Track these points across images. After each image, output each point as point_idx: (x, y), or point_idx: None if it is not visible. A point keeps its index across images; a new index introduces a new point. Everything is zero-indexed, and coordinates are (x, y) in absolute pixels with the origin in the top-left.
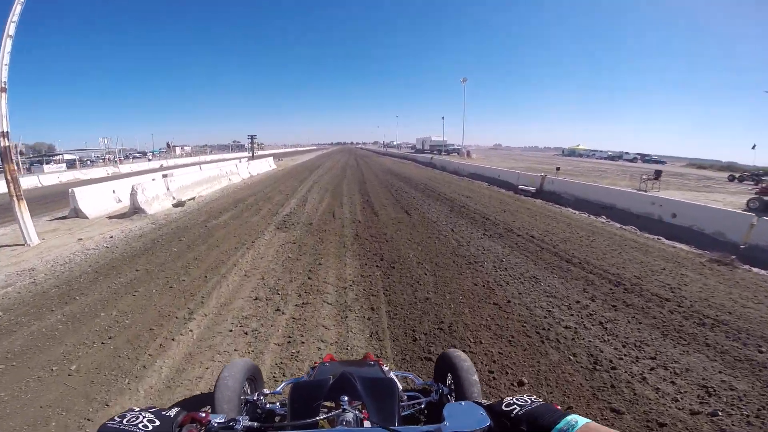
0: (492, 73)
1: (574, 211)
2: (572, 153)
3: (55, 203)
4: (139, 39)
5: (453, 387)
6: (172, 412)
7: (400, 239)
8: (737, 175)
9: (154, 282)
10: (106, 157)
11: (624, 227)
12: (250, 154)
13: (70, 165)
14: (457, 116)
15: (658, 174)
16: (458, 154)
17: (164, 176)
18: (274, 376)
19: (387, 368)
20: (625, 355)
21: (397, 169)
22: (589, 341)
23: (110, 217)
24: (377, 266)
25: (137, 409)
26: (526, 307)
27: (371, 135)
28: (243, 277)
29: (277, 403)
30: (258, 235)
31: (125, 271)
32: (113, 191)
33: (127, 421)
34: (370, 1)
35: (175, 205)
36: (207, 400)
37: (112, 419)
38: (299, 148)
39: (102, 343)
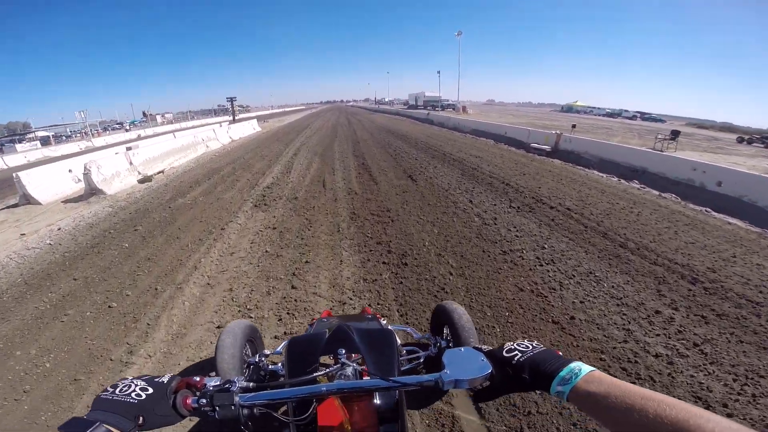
0: (485, 27)
1: (600, 174)
2: (570, 109)
3: (12, 188)
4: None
5: (450, 339)
6: (165, 378)
7: (409, 217)
8: (746, 137)
9: (91, 298)
10: (82, 131)
11: (663, 195)
12: (231, 118)
13: (44, 142)
14: (449, 72)
15: (675, 134)
16: (453, 109)
17: (128, 149)
18: None
19: (385, 321)
20: (739, 394)
21: (392, 126)
22: (691, 376)
23: (66, 201)
24: (384, 263)
25: (130, 377)
26: (596, 324)
27: (362, 92)
28: (204, 288)
29: (279, 364)
30: (231, 217)
31: (61, 280)
32: (69, 170)
33: (119, 391)
34: None
35: (141, 181)
36: (211, 365)
37: (105, 390)
38: (287, 109)
39: (15, 399)
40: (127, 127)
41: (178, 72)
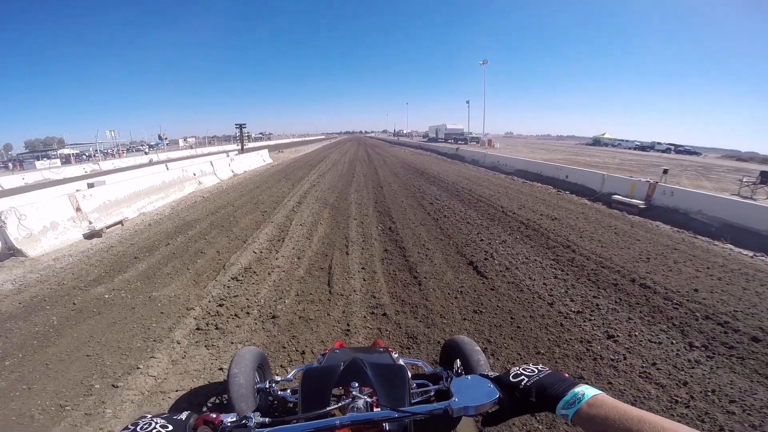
0: (503, 59)
1: (746, 253)
2: (598, 142)
3: None
4: (157, 28)
5: (462, 371)
6: (183, 416)
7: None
8: None
9: None
10: (104, 151)
11: None
12: (239, 147)
13: (66, 161)
14: (466, 102)
15: (766, 177)
16: (477, 143)
17: (89, 185)
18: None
19: (396, 355)
20: None
21: (418, 163)
22: None
23: None
24: None
25: (149, 415)
26: None
27: (380, 123)
28: None
29: (288, 390)
30: (147, 348)
31: None
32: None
33: (140, 429)
34: None
35: (89, 236)
36: (221, 387)
37: (126, 428)
38: (307, 138)
39: None
40: (146, 150)
41: (208, 96)
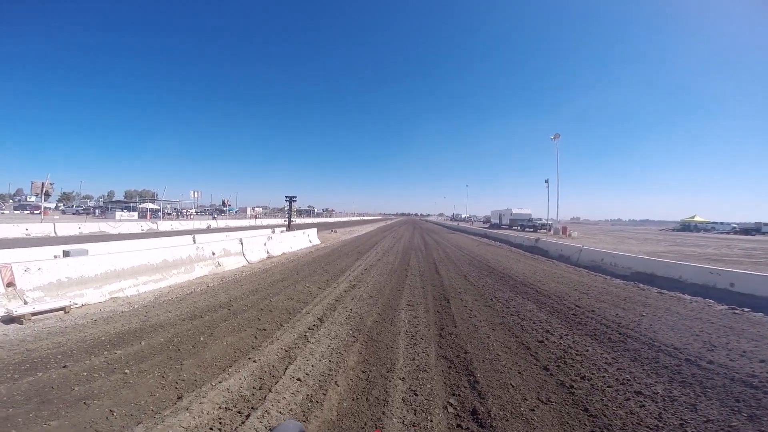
0: (566, 135)
1: None
2: (686, 227)
3: None
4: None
5: None
6: None
7: None
8: None
9: None
10: (179, 210)
11: None
12: (287, 223)
13: (142, 215)
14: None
15: None
16: (547, 230)
17: (65, 254)
18: None
19: None
20: None
21: (490, 258)
22: None
23: None
24: None
25: None
26: None
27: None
28: None
29: None
30: None
31: None
32: None
33: None
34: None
35: (7, 321)
36: None
37: None
38: (365, 217)
39: None
40: (214, 215)
41: (281, 166)
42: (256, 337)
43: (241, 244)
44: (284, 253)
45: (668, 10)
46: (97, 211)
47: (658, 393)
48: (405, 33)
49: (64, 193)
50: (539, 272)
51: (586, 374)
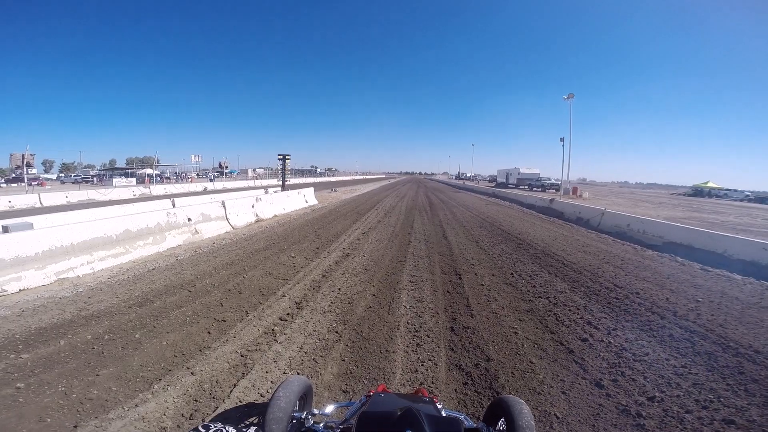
0: (576, 95)
1: None
2: (699, 192)
3: None
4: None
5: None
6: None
7: None
8: None
9: None
10: (180, 173)
11: None
12: (281, 184)
13: (141, 180)
14: (534, 147)
15: None
16: (556, 191)
17: (3, 229)
18: None
19: (441, 406)
20: None
21: (503, 220)
22: None
23: None
24: None
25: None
26: None
27: (442, 165)
28: None
29: (321, 425)
30: None
31: None
32: None
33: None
34: (447, 39)
35: None
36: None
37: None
38: (368, 177)
39: None
40: (212, 177)
41: (286, 127)
42: (209, 333)
43: (224, 207)
44: (276, 216)
45: None
46: (95, 179)
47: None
48: None
49: (65, 164)
50: (560, 238)
51: (654, 393)
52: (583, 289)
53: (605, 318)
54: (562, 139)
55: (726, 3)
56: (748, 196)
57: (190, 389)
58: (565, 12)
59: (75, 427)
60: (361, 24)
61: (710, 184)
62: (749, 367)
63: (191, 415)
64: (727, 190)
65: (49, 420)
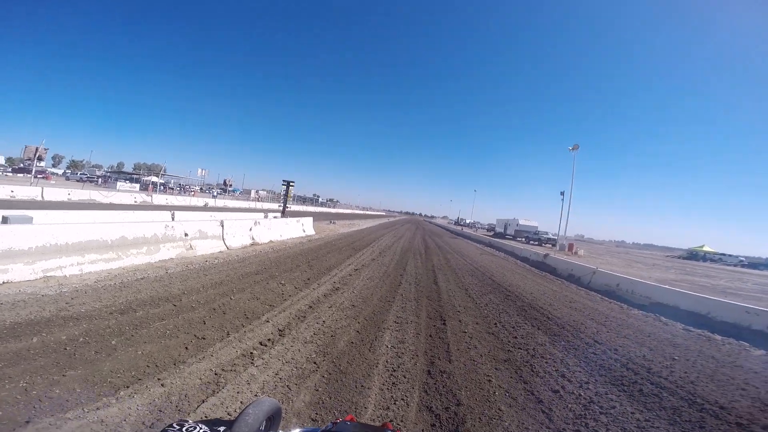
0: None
1: None
2: (694, 256)
3: None
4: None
5: None
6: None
7: None
8: None
9: None
10: (183, 186)
11: None
12: (282, 208)
13: (144, 187)
14: (534, 198)
15: None
16: (552, 245)
17: (3, 220)
18: None
19: None
20: None
21: (495, 272)
22: None
23: None
24: None
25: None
26: None
27: (442, 209)
28: None
29: None
30: None
31: None
32: None
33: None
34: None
35: None
36: (222, 424)
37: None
38: (369, 212)
39: None
40: (215, 194)
41: (298, 154)
42: (186, 348)
43: (222, 227)
44: (271, 241)
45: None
46: (100, 180)
47: None
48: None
49: (73, 161)
50: (549, 293)
51: None
52: (563, 342)
53: (579, 371)
54: (563, 193)
55: (727, 71)
56: (742, 261)
57: (156, 399)
58: (574, 71)
59: (27, 422)
60: (379, 82)
61: (706, 248)
62: (711, 421)
63: (152, 424)
64: (722, 254)
65: (0, 413)
